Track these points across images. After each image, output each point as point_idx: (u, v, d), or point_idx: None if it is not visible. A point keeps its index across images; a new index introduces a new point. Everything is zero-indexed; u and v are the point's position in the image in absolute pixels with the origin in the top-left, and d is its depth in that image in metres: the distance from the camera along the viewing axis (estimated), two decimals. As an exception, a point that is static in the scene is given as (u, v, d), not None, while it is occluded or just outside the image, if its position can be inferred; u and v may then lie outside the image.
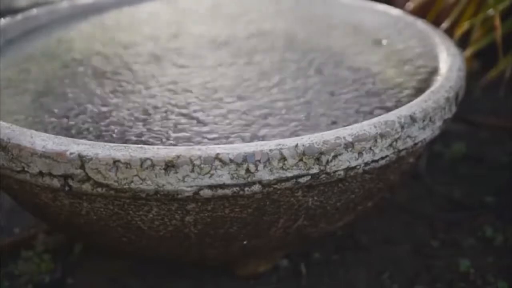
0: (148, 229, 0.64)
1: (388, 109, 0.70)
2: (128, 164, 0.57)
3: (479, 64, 1.16)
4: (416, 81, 0.76)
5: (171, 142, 0.66)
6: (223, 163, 0.58)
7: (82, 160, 0.58)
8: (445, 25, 1.00)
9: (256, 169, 0.58)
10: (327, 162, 0.60)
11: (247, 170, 0.58)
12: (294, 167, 0.59)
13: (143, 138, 0.67)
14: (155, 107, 0.73)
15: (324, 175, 0.61)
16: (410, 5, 1.13)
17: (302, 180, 0.60)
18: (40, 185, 0.62)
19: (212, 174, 0.58)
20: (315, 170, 0.60)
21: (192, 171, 0.58)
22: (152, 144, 0.65)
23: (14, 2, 1.56)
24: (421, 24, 0.91)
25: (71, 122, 0.70)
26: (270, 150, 0.58)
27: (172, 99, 0.75)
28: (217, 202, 0.61)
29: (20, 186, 0.65)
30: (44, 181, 0.60)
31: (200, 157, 0.57)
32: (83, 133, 0.68)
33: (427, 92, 0.69)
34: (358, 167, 0.62)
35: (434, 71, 0.77)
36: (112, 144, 0.59)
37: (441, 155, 1.04)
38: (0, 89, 0.77)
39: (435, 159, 1.03)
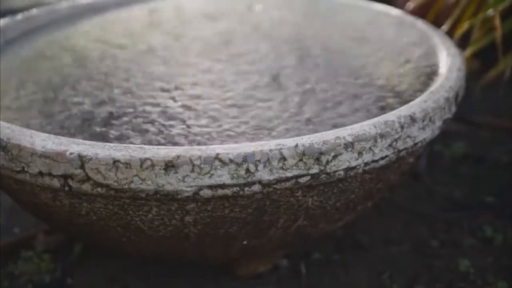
0: (148, 229, 0.64)
1: (387, 109, 0.70)
2: (128, 164, 0.57)
3: (479, 64, 1.16)
4: (416, 81, 0.76)
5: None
6: (223, 163, 0.58)
7: (82, 160, 0.58)
8: (445, 25, 1.00)
9: (256, 169, 0.58)
10: (327, 162, 0.60)
11: (247, 170, 0.58)
12: (294, 167, 0.59)
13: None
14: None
15: (324, 175, 0.60)
16: (410, 5, 1.13)
17: (302, 180, 0.60)
18: (40, 185, 0.61)
19: (212, 174, 0.58)
20: (315, 170, 0.60)
21: (192, 171, 0.58)
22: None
23: (14, 2, 1.56)
24: (421, 24, 0.91)
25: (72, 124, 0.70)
26: (270, 150, 0.58)
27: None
28: (217, 202, 0.61)
29: (20, 186, 0.65)
30: (44, 181, 0.60)
31: (200, 157, 0.57)
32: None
33: (427, 92, 0.69)
34: (358, 167, 0.62)
35: (434, 71, 0.77)
36: (111, 144, 0.59)
37: (441, 155, 1.04)
38: (0, 88, 0.77)
39: (435, 159, 1.03)
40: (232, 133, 0.67)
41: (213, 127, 0.68)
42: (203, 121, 0.69)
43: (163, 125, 0.69)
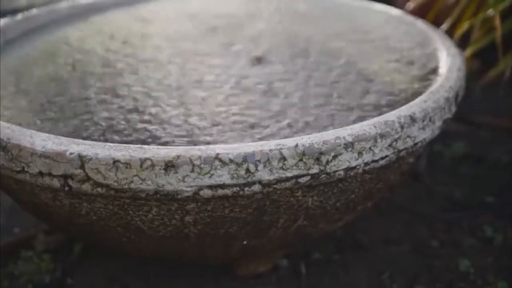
0: (148, 229, 0.64)
1: (387, 109, 0.70)
2: (128, 164, 0.57)
3: (479, 64, 1.16)
4: (416, 81, 0.76)
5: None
6: (223, 163, 0.58)
7: (82, 160, 0.58)
8: (445, 25, 1.00)
9: (256, 169, 0.58)
10: (327, 162, 0.60)
11: (247, 170, 0.58)
12: (294, 167, 0.59)
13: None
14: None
15: (324, 175, 0.61)
16: (410, 5, 1.13)
17: (302, 180, 0.60)
18: (40, 185, 0.62)
19: (212, 174, 0.58)
20: (315, 170, 0.60)
21: (192, 171, 0.58)
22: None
23: (14, 2, 1.56)
24: (421, 24, 0.91)
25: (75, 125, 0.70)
26: (270, 150, 0.58)
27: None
28: (217, 202, 0.61)
29: (20, 186, 0.65)
30: (44, 181, 0.60)
31: (200, 157, 0.57)
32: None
33: (427, 92, 0.69)
34: (358, 167, 0.62)
35: (434, 71, 0.77)
36: (112, 144, 0.59)
37: (441, 155, 1.04)
38: (0, 89, 0.77)
39: (435, 159, 1.03)
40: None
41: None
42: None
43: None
